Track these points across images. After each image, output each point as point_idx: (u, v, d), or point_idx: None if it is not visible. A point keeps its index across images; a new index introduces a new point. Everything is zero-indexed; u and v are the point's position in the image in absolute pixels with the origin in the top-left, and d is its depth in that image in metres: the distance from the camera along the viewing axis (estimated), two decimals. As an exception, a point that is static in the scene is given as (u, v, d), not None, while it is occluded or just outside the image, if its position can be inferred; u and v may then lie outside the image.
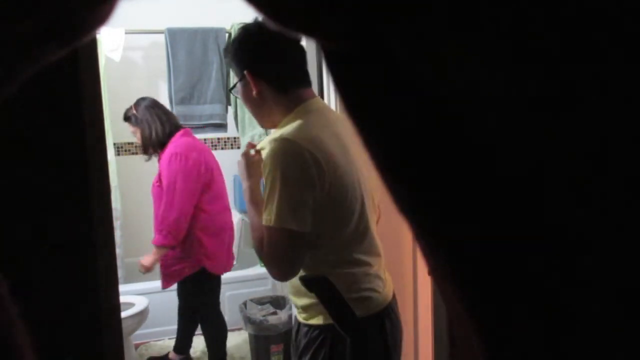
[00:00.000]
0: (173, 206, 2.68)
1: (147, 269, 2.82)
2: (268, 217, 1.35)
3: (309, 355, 1.52)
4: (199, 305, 3.08)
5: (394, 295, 1.59)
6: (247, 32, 1.45)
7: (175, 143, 2.76)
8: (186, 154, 2.70)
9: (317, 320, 1.50)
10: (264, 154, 1.40)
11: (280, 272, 1.43)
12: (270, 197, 1.34)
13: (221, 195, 2.88)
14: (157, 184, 2.79)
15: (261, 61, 1.45)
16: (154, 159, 2.89)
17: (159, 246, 2.73)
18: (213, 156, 2.93)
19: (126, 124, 2.93)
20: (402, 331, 1.62)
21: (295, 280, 1.48)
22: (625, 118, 0.13)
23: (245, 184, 1.51)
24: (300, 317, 1.55)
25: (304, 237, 1.36)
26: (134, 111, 2.84)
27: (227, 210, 2.96)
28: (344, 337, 1.47)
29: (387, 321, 1.52)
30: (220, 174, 2.92)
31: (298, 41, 1.46)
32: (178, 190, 2.68)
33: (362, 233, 1.47)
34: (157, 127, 2.77)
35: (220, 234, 2.86)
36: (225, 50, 1.56)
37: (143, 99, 2.91)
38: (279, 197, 1.32)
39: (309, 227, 1.35)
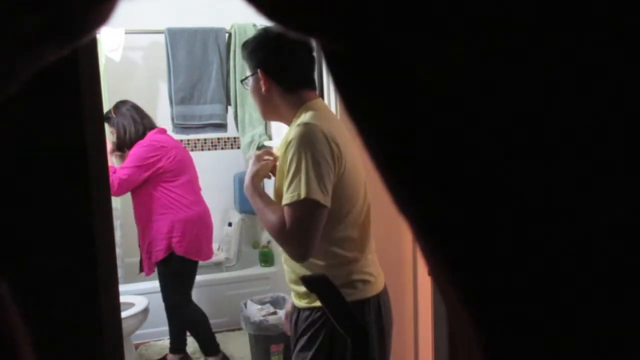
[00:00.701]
0: (120, 170, 3.00)
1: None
2: (294, 193, 1.44)
3: (307, 335, 1.56)
4: (174, 297, 3.19)
5: (385, 285, 1.68)
6: (267, 33, 1.61)
7: (147, 137, 3.08)
8: (149, 142, 3.05)
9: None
10: (282, 149, 1.52)
11: (301, 248, 1.48)
12: (296, 175, 1.44)
13: (193, 189, 3.19)
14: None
15: (274, 63, 1.60)
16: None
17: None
18: (187, 153, 3.26)
19: None
20: (393, 320, 1.70)
21: (298, 268, 1.57)
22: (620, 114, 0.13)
23: (249, 176, 1.59)
24: (302, 303, 1.60)
25: (326, 212, 1.47)
26: (113, 114, 3.13)
27: (202, 203, 3.22)
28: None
29: (382, 304, 1.62)
30: (194, 171, 3.22)
31: (312, 48, 1.60)
32: (128, 165, 3.02)
33: (365, 218, 1.60)
34: (131, 129, 3.09)
35: (190, 222, 3.11)
36: (244, 45, 1.70)
37: (123, 102, 3.18)
38: (307, 173, 1.43)
39: (330, 204, 1.47)
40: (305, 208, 1.43)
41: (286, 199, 1.46)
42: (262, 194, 1.57)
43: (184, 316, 3.28)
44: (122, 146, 3.11)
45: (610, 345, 0.14)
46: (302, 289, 1.57)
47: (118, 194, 3.04)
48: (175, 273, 3.15)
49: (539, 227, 0.14)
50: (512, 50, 0.13)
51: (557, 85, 0.13)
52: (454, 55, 0.14)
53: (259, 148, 3.60)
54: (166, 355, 3.48)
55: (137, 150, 3.04)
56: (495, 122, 0.14)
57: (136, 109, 3.15)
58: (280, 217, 1.47)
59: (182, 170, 3.12)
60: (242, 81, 1.75)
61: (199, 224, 3.15)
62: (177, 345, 3.41)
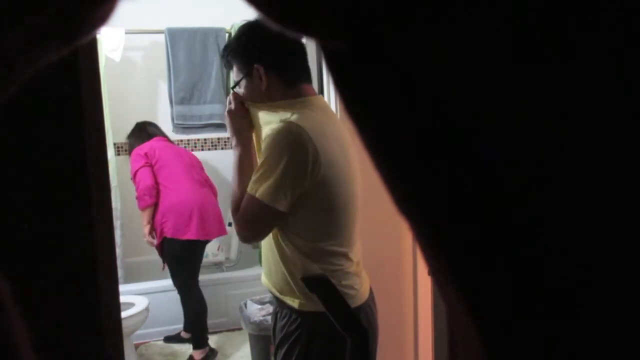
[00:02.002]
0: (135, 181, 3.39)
1: (150, 242, 3.42)
2: (256, 187, 1.41)
3: (284, 349, 1.55)
4: (175, 280, 3.40)
5: (371, 291, 1.61)
6: (252, 28, 1.47)
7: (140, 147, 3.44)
8: (138, 151, 3.41)
9: (293, 303, 1.52)
10: (265, 129, 1.45)
11: (247, 235, 1.52)
12: (262, 170, 1.40)
13: (179, 178, 3.40)
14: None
15: (272, 55, 1.47)
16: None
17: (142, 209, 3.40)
18: (179, 151, 3.52)
19: (126, 124, 3.46)
20: (378, 331, 1.63)
21: (267, 260, 1.55)
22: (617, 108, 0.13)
23: (240, 133, 1.55)
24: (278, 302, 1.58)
25: (281, 216, 1.43)
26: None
27: (194, 189, 3.41)
28: (323, 329, 1.47)
29: (364, 318, 1.53)
30: (178, 163, 3.43)
31: (299, 38, 1.47)
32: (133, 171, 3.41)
33: (351, 228, 1.51)
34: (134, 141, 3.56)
35: (175, 205, 3.34)
36: (226, 48, 1.56)
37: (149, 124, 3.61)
38: (275, 178, 1.38)
39: (288, 210, 1.43)
40: (260, 209, 1.42)
41: (249, 185, 1.44)
42: (242, 171, 1.52)
43: (185, 300, 3.42)
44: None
45: (614, 344, 0.14)
46: (275, 277, 1.54)
47: (146, 206, 3.36)
48: (172, 256, 3.33)
49: (540, 227, 0.14)
50: (512, 51, 0.13)
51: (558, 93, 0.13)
52: (455, 55, 0.14)
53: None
54: (191, 355, 3.51)
55: (133, 159, 3.40)
56: (496, 122, 0.14)
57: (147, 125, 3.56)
58: (243, 196, 1.47)
59: (164, 165, 3.37)
60: (232, 87, 1.59)
61: (186, 206, 3.32)
62: (199, 340, 3.46)
